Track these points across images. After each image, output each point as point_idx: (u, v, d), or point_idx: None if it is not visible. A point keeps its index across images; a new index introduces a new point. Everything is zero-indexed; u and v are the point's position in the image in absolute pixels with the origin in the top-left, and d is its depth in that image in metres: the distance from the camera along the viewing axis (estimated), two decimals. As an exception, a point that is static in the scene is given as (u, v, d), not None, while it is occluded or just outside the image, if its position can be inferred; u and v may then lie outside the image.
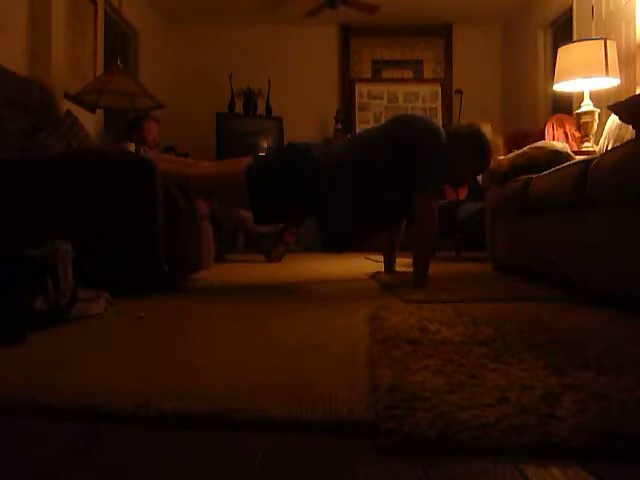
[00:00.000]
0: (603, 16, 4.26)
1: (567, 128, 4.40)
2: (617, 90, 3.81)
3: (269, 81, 6.43)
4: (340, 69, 6.87)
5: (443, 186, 2.82)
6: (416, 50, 6.89)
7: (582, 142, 3.85)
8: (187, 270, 2.93)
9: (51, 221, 2.43)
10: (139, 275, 2.51)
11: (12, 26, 3.52)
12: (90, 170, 2.57)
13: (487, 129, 2.81)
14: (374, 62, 6.90)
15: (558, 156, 3.04)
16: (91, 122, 4.45)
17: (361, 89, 6.78)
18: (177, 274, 2.72)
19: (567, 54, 3.77)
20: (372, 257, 4.46)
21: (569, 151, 3.20)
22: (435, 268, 3.02)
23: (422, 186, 2.62)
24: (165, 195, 2.59)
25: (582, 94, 3.87)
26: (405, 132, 2.70)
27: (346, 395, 1.01)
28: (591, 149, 3.68)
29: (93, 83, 4.09)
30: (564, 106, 4.99)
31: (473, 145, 2.79)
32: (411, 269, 2.78)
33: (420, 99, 6.77)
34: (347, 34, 6.83)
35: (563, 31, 5.30)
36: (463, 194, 4.96)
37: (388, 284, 2.78)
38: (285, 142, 6.29)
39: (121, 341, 1.57)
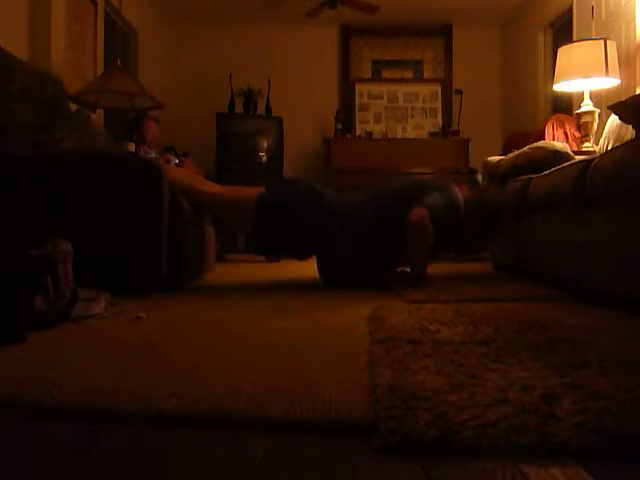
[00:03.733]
0: (603, 16, 4.26)
1: (567, 128, 4.40)
2: (617, 90, 3.81)
3: (269, 81, 6.43)
4: (340, 69, 6.87)
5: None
6: (416, 50, 6.89)
7: (582, 142, 3.85)
8: (190, 275, 2.91)
9: (54, 220, 2.42)
10: (141, 277, 2.50)
11: (12, 26, 3.52)
12: (98, 170, 2.55)
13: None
14: (374, 62, 6.90)
15: (558, 156, 3.04)
16: (91, 122, 4.45)
17: (361, 89, 6.78)
18: (180, 279, 2.70)
19: (567, 54, 3.77)
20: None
21: (569, 151, 3.20)
22: (435, 268, 3.02)
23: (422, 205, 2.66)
24: (170, 199, 2.59)
25: (582, 94, 3.87)
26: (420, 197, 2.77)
27: (346, 395, 1.01)
28: (591, 149, 3.68)
29: (93, 83, 4.09)
30: (564, 106, 5.00)
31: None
32: (409, 268, 2.78)
33: (420, 99, 6.77)
34: (347, 34, 6.83)
35: (563, 31, 5.30)
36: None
37: (388, 284, 2.77)
38: (285, 142, 6.29)
39: (121, 341, 1.57)
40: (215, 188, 2.88)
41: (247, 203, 2.73)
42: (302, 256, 2.96)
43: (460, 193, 2.87)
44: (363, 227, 2.74)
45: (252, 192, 2.79)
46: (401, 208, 2.69)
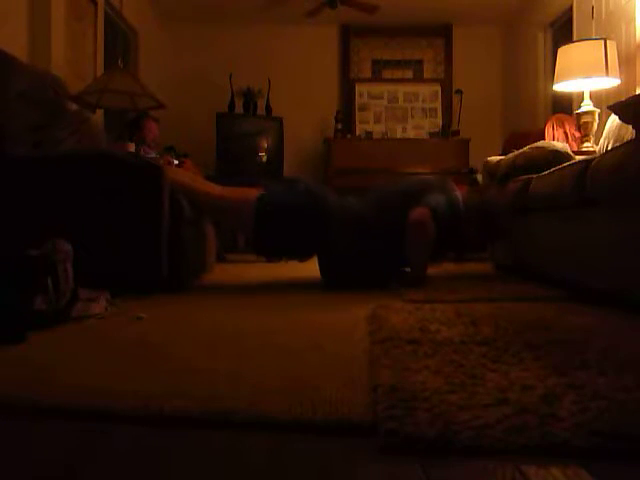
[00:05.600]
0: (603, 16, 4.26)
1: (567, 128, 4.40)
2: (617, 90, 3.80)
3: (269, 81, 6.43)
4: (340, 69, 6.86)
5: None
6: (416, 50, 6.89)
7: (582, 142, 3.85)
8: (191, 275, 2.91)
9: (55, 221, 2.42)
10: (141, 277, 2.50)
11: (12, 26, 3.52)
12: (99, 170, 2.55)
13: None
14: (374, 62, 6.90)
15: (558, 156, 3.04)
16: (91, 122, 4.45)
17: (361, 89, 6.78)
18: (181, 279, 2.70)
19: (567, 54, 3.77)
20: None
21: (569, 151, 3.19)
22: (435, 268, 3.02)
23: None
24: (170, 199, 2.59)
25: (582, 94, 3.87)
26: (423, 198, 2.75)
27: (346, 395, 1.01)
28: (591, 149, 3.68)
29: (94, 83, 4.09)
30: (564, 106, 4.99)
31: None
32: (410, 269, 2.78)
33: (420, 99, 6.77)
34: (347, 34, 6.82)
35: (563, 31, 5.30)
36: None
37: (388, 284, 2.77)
38: (285, 142, 6.29)
39: (121, 341, 1.57)
40: (215, 190, 2.88)
41: (246, 205, 2.73)
42: (302, 258, 2.95)
43: (460, 194, 2.87)
44: (363, 229, 2.73)
45: (251, 194, 2.79)
46: (402, 209, 2.68)
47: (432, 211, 2.64)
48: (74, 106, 3.32)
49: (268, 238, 2.75)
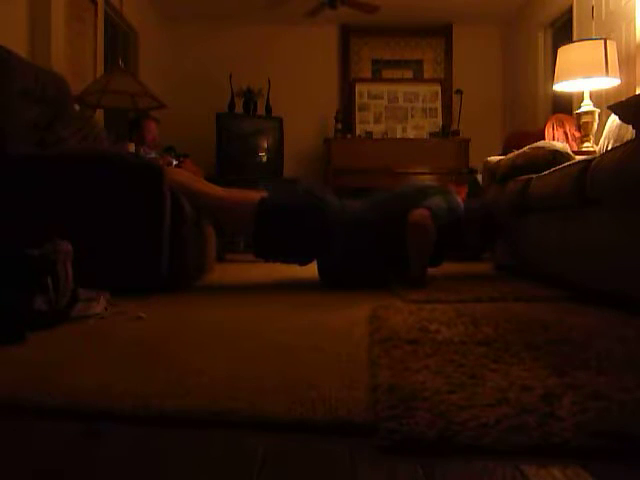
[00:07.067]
0: (603, 16, 4.26)
1: (567, 128, 4.41)
2: (617, 90, 3.81)
3: (269, 81, 6.43)
4: (340, 69, 6.86)
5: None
6: (416, 50, 6.89)
7: (582, 142, 3.85)
8: (191, 275, 2.90)
9: (55, 220, 2.42)
10: (141, 277, 2.50)
11: (12, 26, 3.52)
12: (100, 170, 2.55)
13: None
14: (374, 62, 6.90)
15: (558, 156, 3.04)
16: (91, 122, 4.45)
17: (361, 89, 6.78)
18: (181, 279, 2.70)
19: (567, 54, 3.77)
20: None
21: (569, 151, 3.19)
22: (435, 268, 3.01)
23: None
24: (172, 200, 2.59)
25: (582, 94, 3.87)
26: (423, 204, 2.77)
27: (346, 395, 1.01)
28: (591, 149, 3.68)
29: (95, 83, 4.09)
30: (564, 106, 4.99)
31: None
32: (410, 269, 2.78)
33: (420, 99, 6.77)
34: (347, 34, 6.82)
35: (563, 31, 5.30)
36: (462, 194, 4.96)
37: (388, 284, 2.77)
38: (285, 142, 6.29)
39: (121, 341, 1.57)
40: (216, 191, 2.87)
41: (247, 208, 2.72)
42: (303, 261, 2.93)
43: (459, 197, 2.89)
44: (364, 231, 2.74)
45: (251, 197, 2.78)
46: (402, 211, 2.69)
47: (432, 212, 2.64)
48: (77, 105, 3.31)
49: (269, 241, 2.74)
